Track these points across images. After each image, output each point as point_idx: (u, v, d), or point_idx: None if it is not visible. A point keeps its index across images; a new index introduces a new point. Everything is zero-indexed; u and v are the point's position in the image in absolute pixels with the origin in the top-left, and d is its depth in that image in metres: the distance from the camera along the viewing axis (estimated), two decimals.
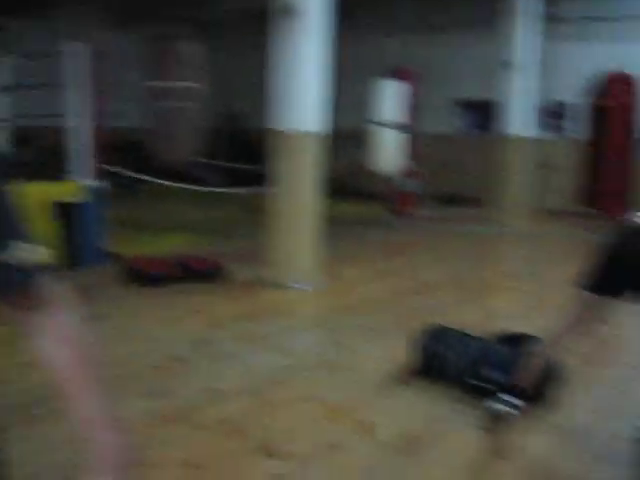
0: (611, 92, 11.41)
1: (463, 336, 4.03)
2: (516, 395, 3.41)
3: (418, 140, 10.81)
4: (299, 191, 6.06)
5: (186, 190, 9.63)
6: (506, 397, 3.43)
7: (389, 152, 8.84)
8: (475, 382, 3.76)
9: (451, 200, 13.22)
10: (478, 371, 3.76)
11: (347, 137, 11.47)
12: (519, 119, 10.85)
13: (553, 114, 13.17)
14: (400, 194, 10.19)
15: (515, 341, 3.90)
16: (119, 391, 3.36)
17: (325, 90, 6.13)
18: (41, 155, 10.05)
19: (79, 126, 6.69)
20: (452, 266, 7.39)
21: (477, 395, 3.73)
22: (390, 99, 8.82)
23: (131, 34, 13.93)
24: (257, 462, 2.99)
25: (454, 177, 13.51)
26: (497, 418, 3.35)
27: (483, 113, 13.42)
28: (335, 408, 3.58)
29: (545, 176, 12.92)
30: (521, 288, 6.50)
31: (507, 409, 3.37)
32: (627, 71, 11.74)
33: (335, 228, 9.52)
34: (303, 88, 5.93)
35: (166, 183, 9.18)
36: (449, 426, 3.43)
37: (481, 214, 11.27)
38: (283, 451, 3.08)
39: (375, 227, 9.87)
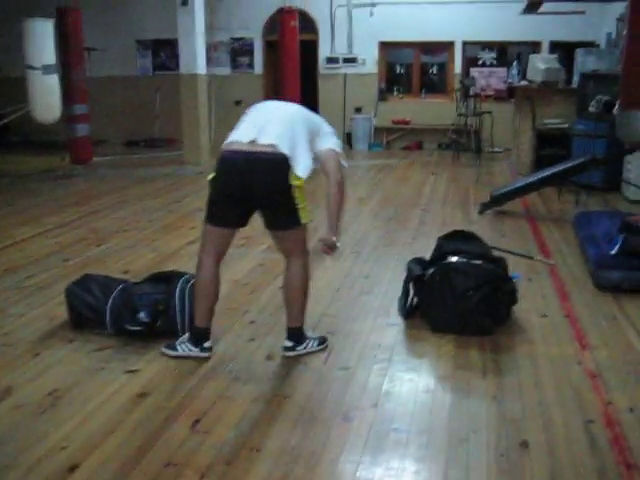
0: (284, 27, 11.80)
1: (110, 282, 3.95)
2: (198, 336, 3.49)
3: (93, 83, 10.36)
4: None
5: None
6: (184, 342, 3.51)
7: (50, 98, 8.30)
8: (129, 327, 3.74)
9: (138, 143, 12.99)
10: (130, 315, 3.73)
11: (7, 84, 10.62)
12: (198, 57, 10.82)
13: (234, 51, 13.41)
14: (75, 141, 9.67)
15: (166, 280, 3.93)
16: None
17: None
18: None
19: None
20: (131, 211, 7.26)
21: (132, 340, 3.73)
22: (45, 41, 8.22)
23: None
24: None
25: (141, 119, 13.22)
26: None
27: (166, 52, 13.25)
28: None
29: (233, 112, 13.19)
30: (195, 226, 6.57)
31: (192, 350, 3.47)
32: (296, 6, 12.24)
33: (5, 184, 8.88)
34: None
35: None
36: (98, 376, 3.35)
37: (169, 155, 11.21)
38: None
39: (52, 179, 9.32)
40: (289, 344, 3.56)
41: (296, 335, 3.56)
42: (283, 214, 3.32)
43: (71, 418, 2.95)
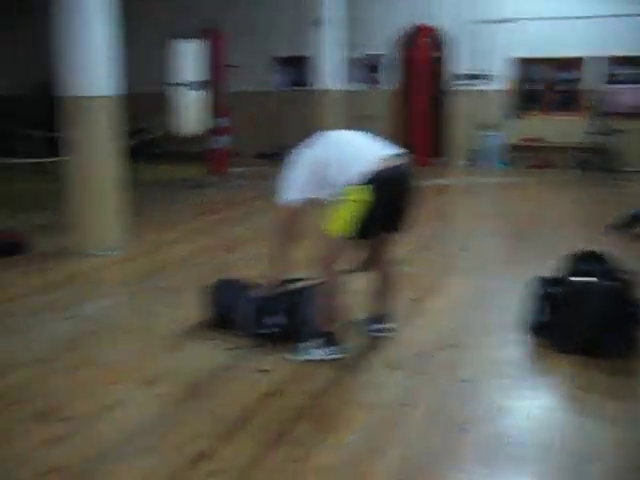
0: (416, 44, 11.96)
1: (245, 286, 4.21)
2: (329, 340, 3.70)
3: (231, 97, 10.86)
4: (96, 156, 6.00)
5: None
6: (315, 347, 3.72)
7: (193, 112, 8.83)
8: (261, 330, 3.96)
9: (271, 155, 13.43)
10: (263, 318, 3.96)
11: (153, 99, 11.31)
12: (331, 73, 11.18)
13: (366, 67, 13.66)
14: (213, 153, 10.20)
15: (295, 285, 4.14)
16: None
17: (116, 52, 6.04)
18: None
19: None
20: (263, 220, 7.58)
21: (264, 341, 3.96)
22: (189, 59, 8.76)
23: None
24: (35, 427, 3.01)
25: (275, 133, 13.71)
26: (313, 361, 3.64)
27: (299, 69, 13.69)
28: (120, 369, 3.65)
29: (361, 127, 13.41)
30: None
31: (325, 354, 3.67)
32: (431, 23, 12.38)
33: (148, 192, 9.49)
34: (90, 52, 5.81)
35: None
36: (232, 373, 3.60)
37: None
38: (62, 415, 3.13)
39: (190, 188, 9.89)
40: (394, 324, 4.11)
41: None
42: (406, 217, 3.81)
43: (205, 409, 3.20)
